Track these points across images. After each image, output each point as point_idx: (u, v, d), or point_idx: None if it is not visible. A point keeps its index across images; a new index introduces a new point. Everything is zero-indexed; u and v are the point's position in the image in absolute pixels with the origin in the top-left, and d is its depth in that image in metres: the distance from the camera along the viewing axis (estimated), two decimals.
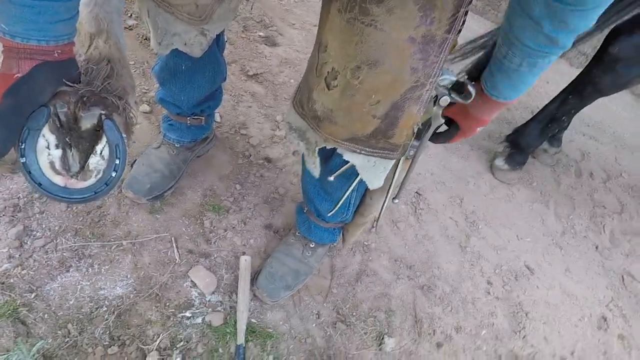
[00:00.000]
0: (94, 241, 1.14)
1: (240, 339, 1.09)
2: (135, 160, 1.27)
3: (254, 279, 1.19)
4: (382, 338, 1.22)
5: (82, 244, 1.12)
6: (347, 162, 0.87)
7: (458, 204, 1.67)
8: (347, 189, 0.96)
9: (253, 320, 1.16)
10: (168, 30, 0.88)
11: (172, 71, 1.04)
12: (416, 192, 1.63)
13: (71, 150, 0.61)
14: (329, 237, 1.20)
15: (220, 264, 1.22)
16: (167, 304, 1.12)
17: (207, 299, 1.15)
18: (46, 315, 1.00)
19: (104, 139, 0.62)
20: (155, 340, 1.06)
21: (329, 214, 1.08)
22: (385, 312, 1.29)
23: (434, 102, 0.75)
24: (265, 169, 1.47)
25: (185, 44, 0.92)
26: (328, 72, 0.70)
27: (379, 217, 1.04)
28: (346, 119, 0.74)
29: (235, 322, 1.12)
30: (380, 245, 1.43)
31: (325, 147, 0.82)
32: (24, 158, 0.57)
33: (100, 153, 0.62)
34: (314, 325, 1.20)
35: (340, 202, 1.01)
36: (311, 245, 1.22)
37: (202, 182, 1.36)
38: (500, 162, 1.81)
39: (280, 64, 1.81)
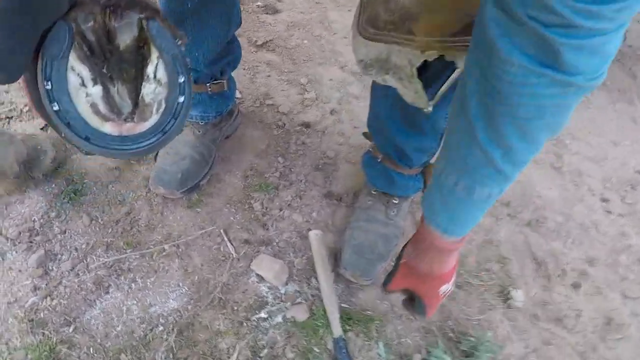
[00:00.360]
0: (130, 252, 0.92)
1: (337, 331, 0.85)
2: (156, 154, 1.06)
3: (336, 259, 0.96)
4: (507, 292, 0.97)
5: (118, 258, 0.91)
6: (451, 72, 0.64)
7: None
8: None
9: (344, 305, 0.92)
10: None
11: (178, 15, 0.84)
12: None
13: (114, 84, 0.43)
14: (414, 185, 0.96)
15: (285, 248, 0.99)
16: (235, 307, 0.89)
17: (282, 292, 0.92)
18: (92, 349, 0.79)
19: (154, 54, 0.42)
20: (232, 354, 0.83)
21: (423, 155, 0.88)
22: (498, 261, 1.03)
23: None
24: (305, 135, 1.24)
25: None
26: None
27: None
28: None
29: (325, 312, 0.89)
30: None
31: (425, 61, 0.60)
32: (55, 104, 0.39)
33: (155, 76, 0.43)
34: None
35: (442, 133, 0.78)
36: (394, 201, 0.99)
37: (238, 164, 1.14)
38: None
39: (287, 29, 1.61)
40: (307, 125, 1.27)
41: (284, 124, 1.26)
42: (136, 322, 0.84)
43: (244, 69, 1.41)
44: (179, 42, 0.44)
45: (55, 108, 0.39)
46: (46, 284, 0.85)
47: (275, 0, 1.72)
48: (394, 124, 0.84)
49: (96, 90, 0.42)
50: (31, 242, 0.90)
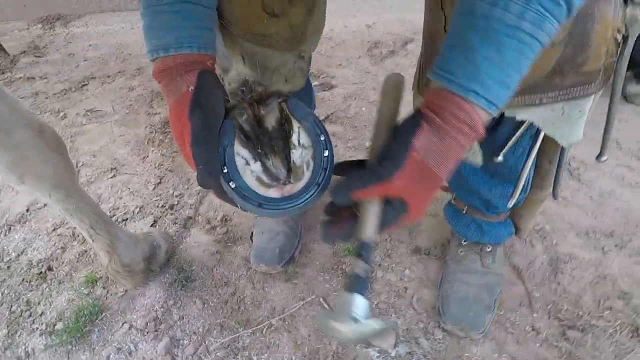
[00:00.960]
0: (242, 330, 0.98)
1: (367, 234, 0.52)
2: (252, 233, 1.16)
3: (438, 313, 0.94)
4: None
5: (232, 337, 0.97)
6: (519, 126, 0.68)
7: (615, 147, 1.35)
8: (527, 159, 0.75)
9: None
10: (268, 68, 0.83)
11: None
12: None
13: (269, 159, 0.55)
14: (506, 231, 0.95)
15: (386, 310, 0.99)
16: None
17: (393, 355, 0.91)
18: None
19: (295, 124, 0.54)
20: None
21: (508, 201, 0.85)
22: (620, 297, 0.95)
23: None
24: None
25: (286, 80, 0.86)
26: None
27: (556, 185, 0.81)
28: None
29: None
30: (557, 224, 1.13)
31: (504, 123, 0.66)
32: (232, 182, 0.51)
33: (299, 143, 0.54)
34: (537, 345, 0.90)
35: (523, 180, 0.78)
36: (488, 250, 0.97)
37: None
38: (634, 87, 1.50)
39: (345, 100, 1.74)
40: None
41: None
42: None
43: None
44: (312, 111, 0.56)
45: (233, 186, 0.51)
46: None
47: (329, 77, 1.89)
48: (476, 176, 0.85)
49: (257, 166, 0.53)
50: (157, 330, 0.99)
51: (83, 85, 2.03)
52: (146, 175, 1.44)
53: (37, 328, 1.02)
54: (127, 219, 1.29)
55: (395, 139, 0.47)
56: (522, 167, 0.77)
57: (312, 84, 1.85)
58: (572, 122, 0.63)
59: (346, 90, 1.80)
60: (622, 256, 1.03)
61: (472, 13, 0.42)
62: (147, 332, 0.99)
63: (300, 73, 0.86)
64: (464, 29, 0.43)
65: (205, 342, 0.96)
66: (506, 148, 0.73)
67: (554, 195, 0.83)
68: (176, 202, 1.33)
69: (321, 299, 1.03)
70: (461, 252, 1.00)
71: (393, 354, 0.91)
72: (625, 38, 0.54)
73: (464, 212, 0.95)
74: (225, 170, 0.51)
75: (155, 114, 1.75)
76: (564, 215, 1.16)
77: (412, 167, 0.45)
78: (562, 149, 0.75)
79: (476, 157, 0.74)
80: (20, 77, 2.12)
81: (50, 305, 1.07)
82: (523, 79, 0.53)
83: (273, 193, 0.52)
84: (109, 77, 2.07)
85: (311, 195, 0.52)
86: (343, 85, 1.84)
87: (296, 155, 0.54)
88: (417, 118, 0.46)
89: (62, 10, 2.73)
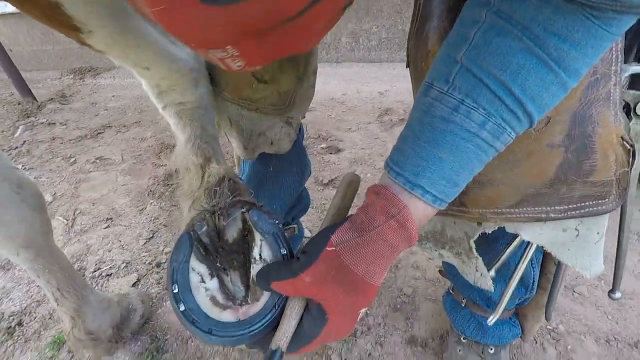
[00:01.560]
0: None
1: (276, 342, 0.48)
2: None
3: None
4: None
5: None
6: (511, 240, 0.62)
7: (637, 240, 1.24)
8: (523, 255, 0.67)
9: None
10: (254, 131, 0.84)
11: (260, 176, 0.93)
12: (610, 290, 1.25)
13: (227, 274, 0.49)
14: (510, 331, 0.84)
15: None
16: None
17: None
18: None
19: (258, 238, 0.49)
20: None
21: (516, 296, 0.76)
22: None
23: (628, 111, 0.50)
24: None
25: (272, 143, 0.86)
26: None
27: (549, 306, 0.72)
28: (507, 168, 0.49)
29: None
30: (573, 325, 1.01)
31: (484, 232, 0.57)
32: (182, 304, 0.45)
33: (260, 257, 0.48)
34: None
35: (517, 277, 0.70)
36: (490, 351, 0.86)
37: None
38: None
39: (350, 165, 1.72)
40: None
41: None
42: None
43: (312, 208, 1.48)
44: (276, 222, 0.50)
45: (182, 308, 0.44)
46: None
47: (337, 140, 1.89)
48: None
49: (213, 284, 0.47)
50: None
51: (99, 133, 2.09)
52: (139, 229, 1.40)
53: None
54: (111, 274, 1.24)
55: (317, 235, 0.44)
56: (516, 265, 0.69)
57: (319, 147, 1.84)
58: (589, 247, 0.53)
59: (353, 155, 1.79)
60: None
61: (430, 112, 0.40)
62: None
63: (287, 138, 0.85)
64: (420, 126, 0.41)
65: None
66: (499, 263, 0.65)
67: (547, 316, 0.73)
68: (164, 260, 1.27)
69: None
70: (460, 350, 0.89)
71: None
72: (633, 153, 0.49)
73: (463, 305, 0.86)
74: (176, 290, 0.45)
75: (161, 165, 1.77)
76: (579, 314, 1.04)
77: (325, 262, 0.41)
78: (559, 264, 0.67)
79: (485, 279, 0.64)
80: (43, 122, 2.22)
81: None
82: (521, 187, 0.48)
83: (227, 316, 0.45)
84: (124, 126, 2.14)
85: (267, 320, 0.45)
86: (351, 149, 1.83)
87: (256, 270, 0.48)
88: (345, 216, 0.45)
89: (95, 63, 2.92)
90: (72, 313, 0.83)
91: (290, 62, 0.75)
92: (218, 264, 0.49)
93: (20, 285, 1.20)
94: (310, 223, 1.41)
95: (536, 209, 0.50)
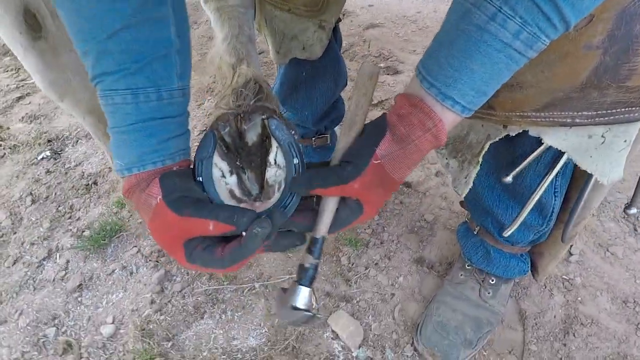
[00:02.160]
0: (227, 284, 1.03)
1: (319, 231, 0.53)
2: None
3: (416, 330, 0.89)
4: None
5: (216, 288, 1.03)
6: (536, 147, 0.59)
7: None
8: (543, 178, 0.65)
9: None
10: (286, 34, 0.84)
11: (293, 83, 0.96)
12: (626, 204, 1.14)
13: (245, 172, 0.55)
14: (517, 266, 0.85)
15: (365, 309, 0.97)
16: (306, 359, 0.90)
17: (354, 354, 0.89)
18: None
19: (274, 144, 0.53)
20: None
21: (532, 226, 0.76)
22: None
23: None
24: (405, 194, 1.22)
25: (304, 48, 0.86)
26: None
27: (567, 226, 0.68)
28: (538, 70, 0.48)
29: None
30: (592, 280, 0.98)
31: (507, 135, 0.58)
32: (205, 192, 0.52)
33: (275, 162, 0.53)
34: None
35: (532, 203, 0.68)
36: (491, 281, 0.88)
37: None
38: None
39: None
40: (408, 184, 1.25)
41: None
42: (219, 352, 0.92)
43: None
44: (293, 132, 0.54)
45: (204, 194, 0.52)
46: (160, 300, 1.01)
47: (398, 62, 1.79)
48: (492, 192, 0.76)
49: (232, 180, 0.54)
50: (157, 261, 1.09)
51: None
52: (195, 121, 1.53)
53: (70, 229, 1.18)
54: None
55: (360, 144, 0.48)
56: (536, 187, 0.67)
57: (379, 66, 1.77)
58: (612, 155, 0.53)
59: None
60: None
61: (467, 19, 0.40)
62: (150, 260, 1.09)
63: (319, 43, 0.84)
64: (455, 32, 0.41)
65: (192, 285, 1.04)
66: (518, 169, 0.63)
67: (563, 237, 0.71)
68: None
69: None
70: (461, 275, 0.92)
71: (354, 354, 0.90)
72: None
73: (475, 232, 0.87)
74: (200, 180, 0.51)
75: None
76: (604, 272, 0.99)
77: (371, 173, 0.46)
78: (587, 182, 0.63)
79: (465, 187, 0.66)
80: None
81: (87, 213, 1.23)
82: (551, 90, 0.48)
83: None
84: (195, 23, 2.20)
85: (277, 217, 0.51)
86: (409, 72, 1.73)
87: (270, 173, 0.54)
88: (382, 125, 0.47)
89: None
90: None
91: None
92: (238, 163, 0.54)
93: (97, 152, 1.42)
94: None
95: (563, 113, 0.50)
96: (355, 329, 0.92)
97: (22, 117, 1.59)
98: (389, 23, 2.08)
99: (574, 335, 0.88)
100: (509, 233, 0.73)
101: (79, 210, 1.24)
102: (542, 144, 0.57)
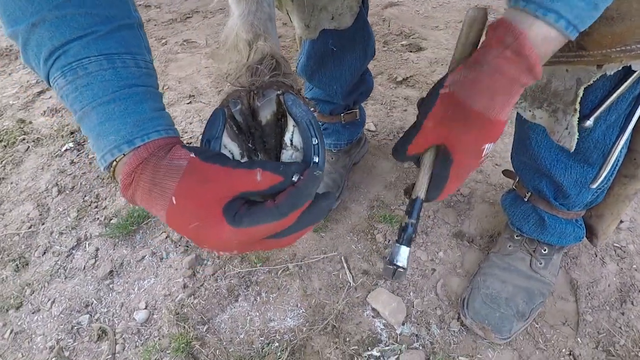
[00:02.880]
0: (259, 266, 1.00)
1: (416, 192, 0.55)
2: None
3: (462, 304, 0.85)
4: None
5: (249, 270, 1.00)
6: (620, 82, 0.55)
7: None
8: (621, 132, 0.60)
9: (463, 358, 0.80)
10: (315, 5, 0.80)
11: (321, 56, 0.92)
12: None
13: (258, 156, 0.49)
14: (573, 233, 0.79)
15: (405, 286, 0.93)
16: (348, 339, 0.86)
17: (398, 332, 0.86)
18: (218, 351, 0.86)
19: (290, 123, 0.47)
20: None
21: (588, 186, 0.70)
22: None
23: None
24: None
25: (333, 18, 0.82)
26: None
27: None
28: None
29: None
30: None
31: (603, 75, 0.52)
32: None
33: (292, 143, 0.47)
34: None
35: (613, 159, 0.63)
36: (543, 251, 0.83)
37: (366, 194, 1.14)
38: None
39: (430, 65, 1.59)
40: None
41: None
42: (256, 334, 0.89)
43: (381, 104, 1.44)
44: (312, 109, 0.49)
45: None
46: (193, 284, 0.98)
47: (420, 39, 1.74)
48: (550, 153, 0.70)
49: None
50: (187, 246, 1.07)
51: (187, 17, 2.17)
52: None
53: (98, 218, 1.17)
54: (190, 144, 1.38)
55: (434, 86, 0.44)
56: (615, 141, 0.61)
57: (399, 44, 1.72)
58: None
59: (435, 55, 1.64)
60: None
61: None
62: (179, 245, 1.07)
63: (349, 11, 0.81)
64: None
65: (224, 268, 1.01)
66: (601, 109, 0.57)
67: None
68: None
69: (342, 258, 1.00)
70: (510, 246, 0.87)
71: (398, 331, 0.86)
72: None
73: (526, 199, 0.81)
74: None
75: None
76: None
77: (442, 104, 0.42)
78: None
79: (571, 140, 0.61)
80: (140, 4, 2.35)
81: (113, 202, 1.21)
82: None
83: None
84: (210, 12, 2.18)
85: None
86: (433, 49, 1.67)
87: (286, 156, 0.47)
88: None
89: None
90: None
91: None
92: (250, 145, 0.48)
93: None
94: (377, 118, 1.39)
95: None
96: (397, 305, 0.88)
97: (44, 112, 1.59)
98: (407, 1, 2.02)
99: (632, 304, 0.83)
100: (596, 184, 0.67)
101: (105, 199, 1.23)
102: (619, 86, 0.53)
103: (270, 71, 0.51)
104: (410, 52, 1.69)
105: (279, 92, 0.47)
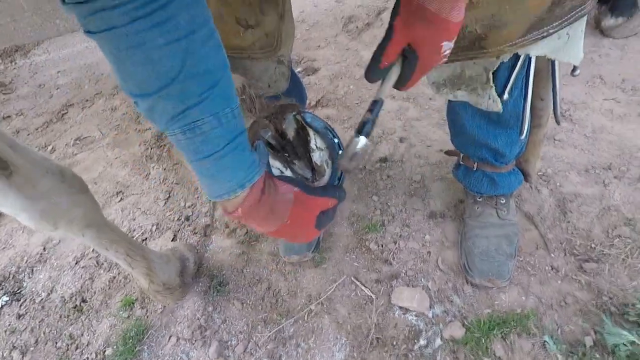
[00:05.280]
0: (285, 321, 1.03)
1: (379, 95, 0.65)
2: None
3: (465, 269, 1.01)
4: None
5: (277, 329, 1.02)
6: (514, 66, 0.74)
7: (600, 82, 1.41)
8: (525, 98, 0.80)
9: (487, 311, 0.95)
10: (249, 78, 0.86)
11: None
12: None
13: (295, 164, 0.64)
14: (516, 179, 1.00)
15: (415, 276, 1.05)
16: (394, 343, 0.95)
17: (430, 316, 0.97)
18: None
19: (311, 132, 0.62)
20: None
21: (516, 142, 0.90)
22: (626, 224, 1.02)
23: None
24: (387, 168, 1.33)
25: (269, 86, 0.89)
26: None
27: (556, 109, 0.85)
28: (516, 9, 0.61)
29: (480, 323, 0.92)
30: (556, 167, 1.19)
31: (501, 63, 0.70)
32: None
33: (317, 146, 0.63)
34: (559, 282, 0.97)
35: (527, 119, 0.83)
36: (502, 201, 1.03)
37: (340, 213, 1.24)
38: (609, 20, 1.54)
39: (331, 81, 1.75)
40: (384, 159, 1.36)
41: (365, 166, 1.36)
42: None
43: None
44: (323, 119, 0.65)
45: None
46: None
47: (311, 61, 1.89)
48: (481, 129, 0.89)
49: (289, 173, 0.63)
50: (204, 337, 1.03)
51: (63, 114, 2.00)
52: (153, 193, 1.45)
53: (87, 358, 1.05)
54: (146, 239, 1.31)
55: None
56: (523, 106, 0.82)
57: (296, 71, 1.85)
58: (576, 43, 0.69)
59: (330, 71, 1.81)
60: (623, 186, 1.10)
61: None
62: (195, 341, 1.03)
63: (282, 77, 0.89)
64: None
65: (252, 339, 1.01)
66: (509, 85, 0.76)
67: (556, 119, 0.87)
68: (190, 213, 1.35)
69: (352, 278, 1.08)
70: (477, 208, 1.05)
71: (430, 315, 0.98)
72: None
73: (474, 168, 1.00)
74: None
75: (146, 129, 1.74)
76: (562, 156, 1.22)
77: (404, 8, 0.52)
78: (553, 79, 0.80)
79: (497, 104, 0.78)
80: None
81: (94, 334, 1.10)
82: (528, 20, 0.61)
83: None
84: (87, 100, 2.04)
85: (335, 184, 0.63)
86: (326, 66, 1.85)
87: (316, 156, 0.63)
88: None
89: (18, 40, 2.62)
90: (145, 271, 0.92)
91: (269, 2, 0.77)
92: (287, 158, 0.63)
93: (64, 271, 1.26)
94: None
95: (539, 30, 0.64)
96: (419, 294, 1.00)
97: None
98: None
99: (570, 212, 1.08)
100: (524, 135, 0.86)
101: (82, 335, 1.10)
102: (515, 66, 0.73)
103: (254, 99, 0.64)
104: (309, 75, 1.84)
105: (294, 113, 0.62)
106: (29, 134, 1.93)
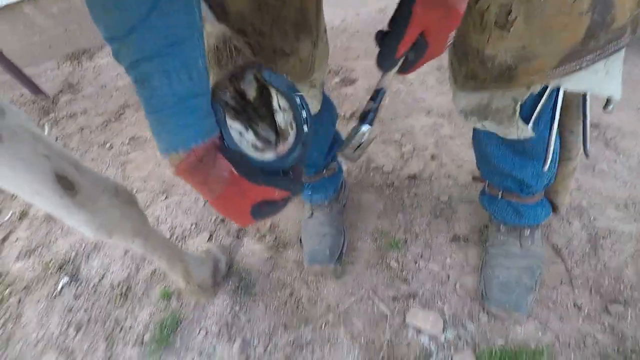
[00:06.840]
0: (304, 327, 1.09)
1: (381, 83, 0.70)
2: (300, 239, 1.26)
3: (481, 297, 1.01)
4: None
5: (296, 335, 1.08)
6: (540, 97, 0.72)
7: None
8: (551, 129, 0.79)
9: (501, 342, 0.95)
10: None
11: None
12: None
13: (258, 125, 0.59)
14: (543, 211, 0.99)
15: (432, 298, 1.07)
16: None
17: (442, 339, 1.00)
18: None
19: (273, 92, 0.57)
20: None
21: (541, 177, 0.89)
22: None
23: None
24: (415, 186, 1.35)
25: None
26: (495, 12, 0.59)
27: (585, 142, 0.83)
28: (547, 42, 0.60)
29: (491, 352, 0.93)
30: (593, 199, 1.15)
31: (531, 94, 0.70)
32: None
33: (279, 107, 0.58)
34: (580, 321, 0.95)
35: (551, 150, 0.81)
36: (526, 233, 1.02)
37: (365, 229, 1.28)
38: None
39: (368, 93, 1.78)
40: (413, 177, 1.38)
41: (393, 182, 1.39)
42: None
43: None
44: (285, 76, 0.59)
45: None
46: None
47: (349, 71, 1.93)
48: (507, 159, 0.89)
49: (250, 135, 0.58)
50: (229, 334, 1.13)
51: (120, 114, 2.19)
52: (195, 194, 1.57)
53: (129, 340, 1.18)
54: (185, 237, 1.43)
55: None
56: (548, 137, 0.80)
57: (333, 82, 1.90)
58: (613, 78, 0.67)
59: (368, 83, 1.84)
60: None
61: None
62: (222, 336, 1.13)
63: (315, 99, 0.92)
64: None
65: (272, 341, 1.09)
66: (534, 115, 0.75)
67: (586, 153, 0.84)
68: None
69: (370, 293, 1.12)
70: (501, 237, 1.05)
71: (442, 339, 1.00)
72: None
73: (499, 197, 1.00)
74: (227, 145, 0.54)
75: None
76: (600, 188, 1.17)
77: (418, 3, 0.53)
78: (584, 112, 0.78)
79: (527, 131, 0.77)
80: (64, 116, 2.31)
81: (136, 320, 1.23)
82: (560, 52, 0.60)
83: (269, 156, 0.57)
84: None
85: (299, 150, 0.57)
86: (364, 77, 1.87)
87: (280, 117, 0.58)
88: None
89: (85, 44, 2.88)
90: (183, 274, 1.03)
91: (303, 29, 0.79)
92: (249, 119, 0.58)
93: (114, 260, 1.42)
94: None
95: (572, 63, 0.62)
96: (433, 317, 1.02)
97: (17, 256, 1.54)
98: None
99: (602, 248, 1.05)
100: (547, 165, 0.83)
101: (126, 320, 1.24)
102: (541, 98, 0.72)
103: (230, 52, 0.61)
104: (346, 86, 1.88)
105: (254, 71, 0.58)
106: (91, 132, 2.14)
